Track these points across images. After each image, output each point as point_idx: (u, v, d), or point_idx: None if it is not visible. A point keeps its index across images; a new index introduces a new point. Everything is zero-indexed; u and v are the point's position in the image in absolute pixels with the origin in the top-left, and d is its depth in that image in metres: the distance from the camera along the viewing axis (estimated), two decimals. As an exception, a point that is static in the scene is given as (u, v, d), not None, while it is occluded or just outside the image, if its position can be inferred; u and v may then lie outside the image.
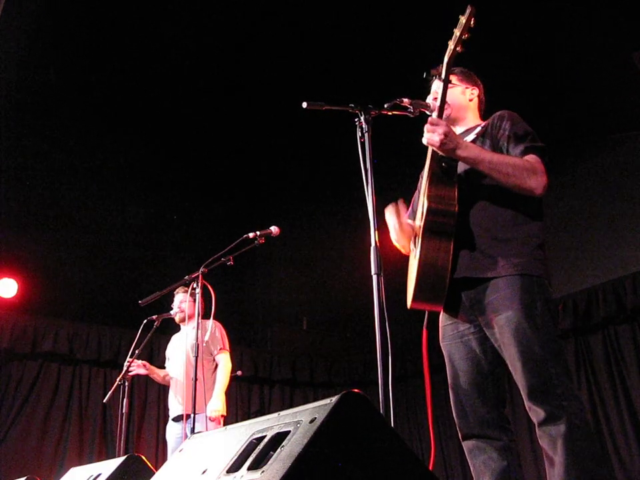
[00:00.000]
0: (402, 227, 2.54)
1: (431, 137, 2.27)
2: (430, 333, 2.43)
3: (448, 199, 2.30)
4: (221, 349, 4.67)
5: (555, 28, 5.10)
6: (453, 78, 2.58)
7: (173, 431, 4.67)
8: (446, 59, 2.33)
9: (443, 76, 2.33)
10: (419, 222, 2.41)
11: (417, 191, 2.77)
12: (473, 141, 2.46)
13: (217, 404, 4.44)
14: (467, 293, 2.32)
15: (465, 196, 2.34)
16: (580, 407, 2.10)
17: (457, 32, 2.26)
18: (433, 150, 2.36)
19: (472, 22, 2.23)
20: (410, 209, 2.72)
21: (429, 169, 2.36)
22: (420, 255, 2.31)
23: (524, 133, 2.37)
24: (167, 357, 4.99)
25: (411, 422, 7.61)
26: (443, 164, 2.34)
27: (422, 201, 2.42)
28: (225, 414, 4.57)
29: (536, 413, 2.11)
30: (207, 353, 4.54)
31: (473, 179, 2.37)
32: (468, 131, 2.59)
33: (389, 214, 2.57)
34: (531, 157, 2.31)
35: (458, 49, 2.27)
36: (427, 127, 2.29)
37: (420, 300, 2.36)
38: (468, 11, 2.23)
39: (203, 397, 4.30)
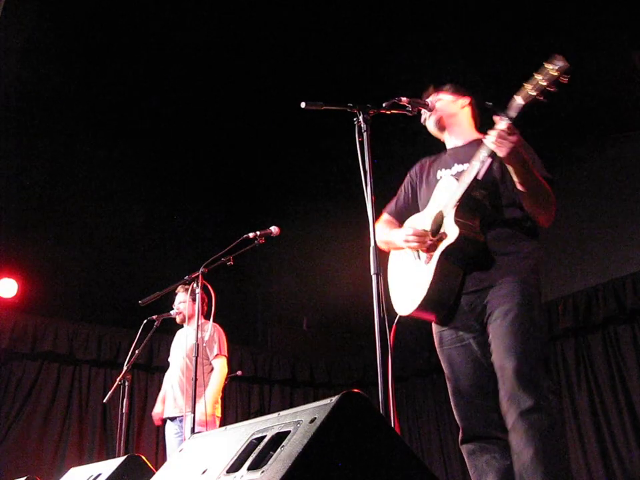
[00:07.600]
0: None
1: (504, 145, 2.20)
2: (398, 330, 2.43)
3: (475, 227, 2.37)
4: (217, 354, 4.64)
5: (554, 28, 5.10)
6: (444, 93, 2.69)
7: (169, 429, 4.67)
8: (521, 102, 2.17)
9: (509, 116, 2.20)
10: (422, 219, 2.48)
11: (408, 184, 2.79)
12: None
13: (202, 407, 4.40)
14: (466, 298, 2.39)
15: None
16: (559, 405, 2.22)
17: (541, 81, 2.09)
18: (471, 178, 2.33)
19: (564, 78, 2.05)
20: (394, 203, 2.79)
21: (464, 194, 2.33)
22: (435, 271, 2.36)
23: (540, 164, 2.41)
24: (170, 353, 4.99)
25: (410, 422, 7.61)
26: (478, 193, 2.38)
27: (438, 214, 2.44)
28: (219, 415, 4.58)
29: (522, 400, 2.14)
30: (204, 355, 4.53)
31: None
32: (471, 144, 2.59)
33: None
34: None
35: (539, 97, 2.13)
36: (500, 134, 2.19)
37: (423, 309, 2.43)
38: (561, 64, 2.05)
39: (199, 398, 4.29)
